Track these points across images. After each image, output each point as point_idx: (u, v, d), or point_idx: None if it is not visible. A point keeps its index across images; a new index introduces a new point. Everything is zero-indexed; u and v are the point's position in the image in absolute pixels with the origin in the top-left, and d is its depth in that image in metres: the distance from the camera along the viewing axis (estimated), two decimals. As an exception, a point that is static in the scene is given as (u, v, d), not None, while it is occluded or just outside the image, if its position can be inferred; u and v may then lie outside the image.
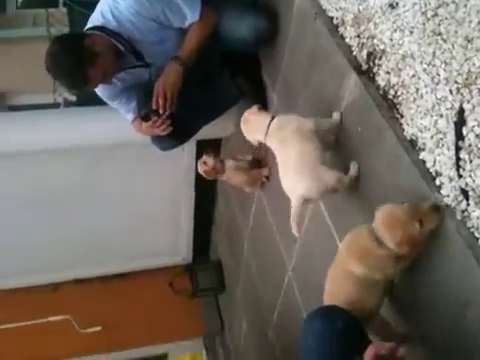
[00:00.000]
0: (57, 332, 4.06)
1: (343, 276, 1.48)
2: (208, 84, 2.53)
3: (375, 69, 1.59)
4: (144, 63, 2.33)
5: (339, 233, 1.91)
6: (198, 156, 3.46)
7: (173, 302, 4.25)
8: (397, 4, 1.46)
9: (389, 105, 1.51)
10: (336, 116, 1.78)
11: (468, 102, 1.21)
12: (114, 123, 2.75)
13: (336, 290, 1.54)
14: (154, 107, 2.25)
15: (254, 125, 1.82)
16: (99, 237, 3.90)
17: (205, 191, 3.87)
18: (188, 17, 2.20)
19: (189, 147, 3.33)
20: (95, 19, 2.21)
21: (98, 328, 4.17)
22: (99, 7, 2.21)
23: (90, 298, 4.17)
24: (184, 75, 2.24)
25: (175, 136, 2.50)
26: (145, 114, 2.34)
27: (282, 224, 2.57)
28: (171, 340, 4.37)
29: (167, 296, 4.25)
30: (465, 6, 1.21)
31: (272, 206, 2.70)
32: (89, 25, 2.23)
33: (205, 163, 2.67)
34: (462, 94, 1.23)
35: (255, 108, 1.86)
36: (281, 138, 1.71)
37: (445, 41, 1.29)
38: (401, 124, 1.47)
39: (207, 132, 2.84)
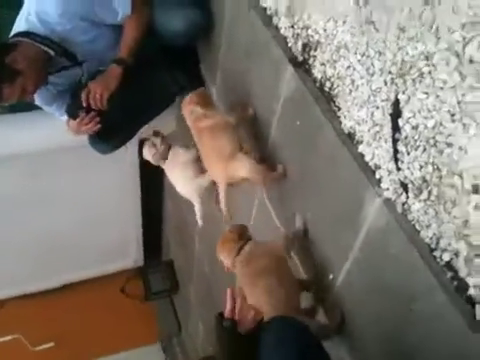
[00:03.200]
0: (8, 353, 3.86)
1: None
2: (146, 81, 2.44)
3: (311, 61, 1.54)
4: (76, 63, 2.22)
5: (286, 229, 1.87)
6: (141, 156, 3.39)
7: (127, 308, 4.15)
8: (329, -7, 1.41)
9: (326, 98, 1.47)
10: (250, 110, 1.94)
11: (403, 93, 1.17)
12: (53, 128, 2.64)
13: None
14: (84, 104, 2.16)
15: (186, 112, 1.96)
16: (45, 247, 3.77)
17: (152, 190, 3.79)
18: (119, 12, 2.11)
19: (132, 146, 3.23)
20: (20, 24, 2.09)
21: (51, 344, 4.02)
22: (23, 10, 2.09)
23: (39, 313, 4.02)
24: (124, 75, 2.16)
25: (114, 137, 2.42)
26: (73, 112, 2.25)
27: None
28: (129, 347, 4.26)
29: (120, 302, 4.13)
30: (396, -7, 1.17)
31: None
32: (14, 31, 2.10)
33: (154, 145, 2.43)
34: (396, 85, 1.19)
35: (200, 91, 2.00)
36: (201, 128, 1.87)
37: (378, 30, 1.25)
38: (339, 117, 1.43)
39: (149, 130, 2.76)
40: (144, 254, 4.33)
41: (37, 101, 2.37)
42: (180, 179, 2.39)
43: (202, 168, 2.32)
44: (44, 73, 2.14)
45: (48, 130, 2.76)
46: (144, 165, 3.51)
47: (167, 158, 2.46)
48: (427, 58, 1.10)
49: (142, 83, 2.40)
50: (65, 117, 2.41)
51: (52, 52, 2.09)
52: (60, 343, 4.01)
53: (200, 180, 2.33)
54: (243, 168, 1.75)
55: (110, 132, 2.37)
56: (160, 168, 3.60)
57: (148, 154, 2.45)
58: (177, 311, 4.38)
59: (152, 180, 3.71)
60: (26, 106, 2.60)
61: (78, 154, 3.04)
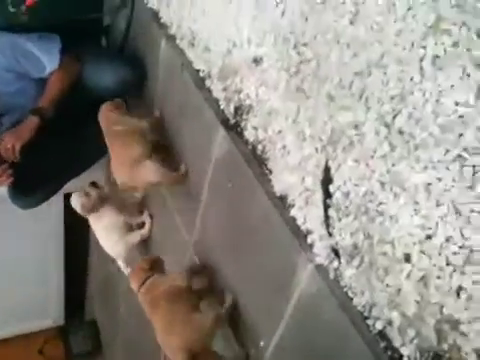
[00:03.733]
0: None
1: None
2: (74, 135, 2.38)
3: (243, 124, 1.55)
4: None
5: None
6: (66, 210, 3.27)
7: (46, 371, 3.88)
8: (261, 59, 1.44)
9: (258, 161, 1.47)
10: (156, 113, 2.07)
11: (333, 160, 1.19)
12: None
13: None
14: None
15: (103, 120, 2.01)
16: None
17: (76, 245, 3.64)
18: (47, 67, 2.06)
19: (57, 201, 3.11)
20: None
21: None
22: None
23: None
24: (42, 126, 2.12)
25: (37, 191, 2.32)
26: None
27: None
28: None
29: (38, 364, 3.87)
30: (326, 63, 1.20)
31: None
32: None
33: (87, 195, 2.33)
34: (327, 152, 1.21)
35: (117, 100, 2.05)
36: (113, 132, 1.95)
37: (308, 98, 1.27)
38: (270, 180, 1.43)
39: (75, 185, 2.67)
40: (65, 313, 4.10)
41: None
42: (106, 239, 2.32)
43: (130, 225, 2.28)
44: None
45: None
46: (69, 218, 3.38)
47: (97, 212, 2.37)
48: (357, 127, 1.13)
49: (70, 137, 2.35)
50: None
51: None
52: None
53: (127, 238, 2.27)
54: (149, 173, 1.83)
55: (32, 186, 2.27)
56: (86, 222, 3.50)
57: (77, 203, 2.34)
58: (100, 374, 4.15)
59: (77, 235, 3.58)
60: None
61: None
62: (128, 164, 1.85)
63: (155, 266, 1.80)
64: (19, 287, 3.69)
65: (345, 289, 1.19)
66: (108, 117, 1.99)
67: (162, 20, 1.98)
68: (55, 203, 3.11)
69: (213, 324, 1.60)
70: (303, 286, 1.31)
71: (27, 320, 3.95)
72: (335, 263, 1.22)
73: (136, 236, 2.29)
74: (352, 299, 1.17)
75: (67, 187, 2.57)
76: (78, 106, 2.28)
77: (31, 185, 2.29)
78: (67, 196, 3.12)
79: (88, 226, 3.48)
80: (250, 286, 1.58)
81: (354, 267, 1.16)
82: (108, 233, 2.31)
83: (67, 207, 3.23)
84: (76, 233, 3.52)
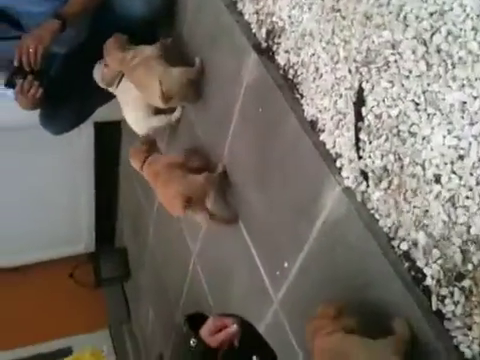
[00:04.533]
0: None
1: None
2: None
3: (275, 48, 1.53)
4: (21, 32, 2.10)
5: (243, 220, 1.86)
6: (97, 137, 3.31)
7: (75, 293, 4.04)
8: (295, -22, 1.40)
9: (289, 85, 1.46)
10: (197, 61, 1.97)
11: (367, 81, 1.17)
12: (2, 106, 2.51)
13: None
14: (16, 63, 1.98)
15: (111, 54, 2.01)
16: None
17: (107, 175, 3.70)
18: None
19: (86, 129, 3.14)
20: None
21: (-5, 326, 3.87)
22: None
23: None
24: (62, 31, 2.01)
25: (66, 117, 2.33)
26: (9, 80, 2.06)
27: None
28: (75, 333, 4.15)
29: (69, 287, 4.03)
30: (364, -19, 1.16)
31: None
32: None
33: (106, 66, 2.17)
34: (361, 73, 1.19)
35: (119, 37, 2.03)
36: (134, 65, 1.94)
37: (344, 18, 1.24)
38: (302, 105, 1.42)
39: (105, 113, 2.70)
40: (96, 240, 4.22)
41: None
42: (131, 112, 2.28)
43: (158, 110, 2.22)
44: None
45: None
46: (100, 149, 3.43)
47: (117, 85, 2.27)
48: (393, 46, 1.10)
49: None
50: (9, 92, 2.30)
51: None
52: (5, 325, 3.87)
53: (153, 119, 2.22)
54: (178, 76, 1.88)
55: (63, 111, 2.29)
56: (117, 153, 3.55)
57: (97, 73, 2.24)
58: (127, 299, 4.31)
59: (108, 165, 3.64)
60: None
61: (31, 134, 2.93)
62: (156, 85, 1.85)
63: (151, 148, 2.06)
64: (51, 213, 3.80)
65: (372, 211, 1.21)
66: (120, 58, 1.99)
67: None
68: (85, 130, 3.14)
69: (205, 182, 1.82)
70: (330, 209, 1.32)
71: (59, 246, 4.07)
72: (363, 186, 1.22)
73: (162, 119, 2.21)
74: (378, 221, 1.19)
75: (97, 115, 2.58)
76: (107, 34, 2.25)
77: (62, 110, 2.30)
78: (97, 125, 3.18)
79: (119, 156, 3.57)
80: (276, 210, 1.60)
81: (382, 189, 1.16)
82: (134, 108, 2.22)
83: (97, 135, 3.29)
84: (107, 161, 3.57)
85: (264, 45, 1.57)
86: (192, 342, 1.13)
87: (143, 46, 2.02)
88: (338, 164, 1.29)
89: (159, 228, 3.08)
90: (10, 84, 2.07)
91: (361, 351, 1.05)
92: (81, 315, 4.03)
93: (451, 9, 0.96)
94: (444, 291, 1.03)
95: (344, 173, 1.27)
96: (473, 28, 0.92)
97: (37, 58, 1.95)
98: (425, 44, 1.01)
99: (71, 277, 4.06)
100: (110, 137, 3.37)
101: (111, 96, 2.47)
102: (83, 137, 3.25)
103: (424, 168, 1.04)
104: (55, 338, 4.08)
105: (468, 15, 0.92)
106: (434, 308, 1.04)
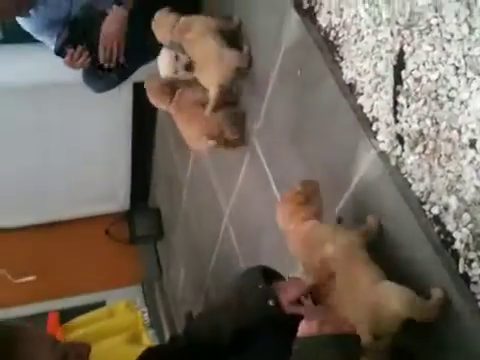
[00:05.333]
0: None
1: None
2: (145, 17, 2.37)
3: (317, 8, 1.51)
4: None
5: (276, 182, 1.89)
6: (135, 98, 3.36)
7: (110, 249, 4.18)
8: None
9: (330, 47, 1.45)
10: (235, 19, 1.97)
11: (408, 44, 1.16)
12: (46, 62, 2.57)
13: None
14: (101, 61, 2.18)
15: (162, 24, 2.01)
16: (31, 184, 3.75)
17: (143, 136, 3.77)
18: None
19: (126, 88, 3.19)
20: None
21: (32, 277, 4.04)
22: None
23: (24, 247, 4.02)
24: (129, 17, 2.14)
25: (108, 75, 2.38)
26: (59, 49, 2.19)
27: (220, 171, 2.53)
28: (109, 287, 4.30)
29: (104, 243, 4.17)
30: None
31: (210, 154, 2.63)
32: None
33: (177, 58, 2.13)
34: (403, 36, 1.18)
35: (166, 10, 2.02)
36: (188, 39, 1.92)
37: (389, -20, 1.23)
38: (341, 67, 1.41)
39: (143, 74, 2.72)
40: (131, 199, 4.33)
41: (28, 28, 2.31)
42: None
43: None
44: None
45: (41, 64, 2.69)
46: (138, 110, 3.48)
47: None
48: (436, 9, 1.09)
49: (141, 23, 2.35)
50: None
51: None
52: (42, 277, 4.04)
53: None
54: (235, 56, 1.88)
55: (105, 69, 2.33)
56: (154, 114, 3.58)
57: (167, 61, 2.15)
58: (160, 257, 4.43)
59: (144, 126, 3.69)
60: (20, 37, 2.52)
61: (72, 91, 3.00)
62: (214, 60, 1.85)
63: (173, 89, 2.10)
64: (89, 171, 3.90)
65: (405, 176, 1.21)
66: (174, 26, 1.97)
67: None
68: (125, 90, 3.19)
69: (223, 119, 1.98)
70: (364, 172, 1.34)
71: (96, 203, 4.19)
72: (398, 150, 1.22)
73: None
74: (411, 185, 1.19)
75: (137, 76, 2.61)
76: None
77: (104, 69, 2.34)
78: (136, 85, 3.21)
79: (156, 117, 3.61)
80: (311, 170, 1.62)
81: (417, 154, 1.17)
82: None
83: (136, 96, 3.33)
84: (144, 122, 3.62)
85: (306, 5, 1.56)
86: (271, 302, 1.11)
87: (196, 17, 2.01)
88: (374, 128, 1.29)
89: (192, 190, 3.13)
90: (61, 53, 2.16)
91: (331, 239, 1.20)
92: (115, 271, 4.17)
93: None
94: (472, 255, 1.04)
95: (380, 137, 1.27)
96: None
97: (120, 53, 2.18)
98: (469, 7, 1.00)
99: (107, 233, 4.19)
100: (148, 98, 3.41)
101: (151, 57, 2.50)
102: (122, 96, 3.30)
103: (460, 133, 1.04)
104: (90, 291, 4.24)
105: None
106: (461, 271, 1.05)
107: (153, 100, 2.16)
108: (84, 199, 4.10)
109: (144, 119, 3.63)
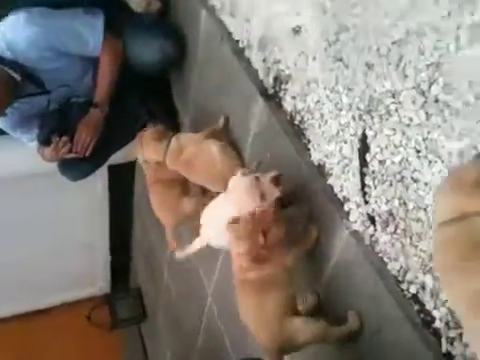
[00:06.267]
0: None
1: None
2: (118, 109, 2.44)
3: (281, 94, 1.57)
4: (43, 91, 2.21)
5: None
6: (111, 181, 3.38)
7: (92, 336, 4.04)
8: (300, 29, 1.45)
9: (296, 131, 1.50)
10: (221, 119, 1.93)
11: (370, 128, 1.21)
12: (19, 154, 2.61)
13: None
14: (74, 152, 2.23)
15: (150, 147, 1.98)
16: (10, 273, 3.67)
17: (120, 217, 3.75)
18: (89, 43, 2.11)
19: (101, 173, 3.21)
20: None
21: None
22: None
23: (4, 338, 3.88)
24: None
25: (84, 164, 2.40)
26: (44, 138, 2.24)
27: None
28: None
29: (86, 330, 4.03)
30: (365, 32, 1.21)
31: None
32: None
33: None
34: (364, 120, 1.23)
35: (152, 129, 2.01)
36: (185, 160, 1.88)
37: (347, 67, 1.29)
38: (308, 149, 1.46)
39: (118, 156, 2.76)
40: (111, 281, 4.26)
41: (2, 126, 2.34)
42: None
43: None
44: (8, 97, 2.12)
45: (16, 156, 2.73)
46: (114, 191, 3.49)
47: None
48: (394, 96, 1.14)
49: (114, 111, 2.40)
50: (33, 143, 2.39)
51: (18, 77, 2.07)
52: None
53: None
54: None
55: (81, 158, 2.35)
56: (130, 195, 3.60)
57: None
58: (144, 339, 4.31)
59: (121, 207, 3.69)
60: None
61: (46, 180, 3.00)
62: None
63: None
64: (67, 257, 3.85)
65: (380, 255, 1.22)
66: (160, 150, 1.95)
67: (201, -9, 2.01)
68: (100, 175, 3.21)
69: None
70: (339, 252, 1.35)
71: (75, 288, 4.12)
72: (370, 230, 1.24)
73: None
74: (387, 264, 1.20)
75: (111, 159, 2.65)
76: (124, 81, 2.33)
77: (80, 160, 2.36)
78: (111, 168, 3.24)
79: (132, 197, 3.62)
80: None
81: (389, 233, 1.19)
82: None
83: (112, 179, 3.35)
84: (121, 202, 3.63)
85: (271, 91, 1.62)
86: None
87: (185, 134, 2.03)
88: (346, 208, 1.32)
89: (173, 268, 3.09)
90: (46, 142, 2.23)
91: None
92: (99, 358, 4.03)
93: (448, 62, 0.99)
94: (453, 333, 1.04)
95: (352, 217, 1.30)
96: (469, 82, 0.95)
97: (90, 147, 2.24)
98: (423, 94, 1.05)
99: (88, 319, 4.07)
100: (124, 178, 3.44)
101: (126, 142, 2.54)
102: (99, 180, 3.31)
103: (428, 212, 1.06)
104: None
105: (463, 69, 0.96)
106: (444, 350, 1.05)
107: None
108: (64, 285, 4.03)
109: (121, 199, 3.64)
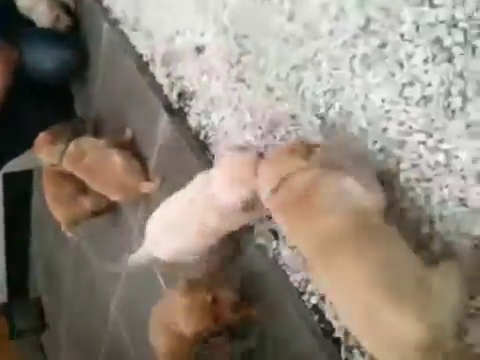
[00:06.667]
0: None
1: None
2: (13, 117, 2.34)
3: (186, 109, 1.60)
4: None
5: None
6: (5, 189, 3.23)
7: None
8: (203, 48, 1.49)
9: (201, 146, 1.53)
10: (128, 132, 1.93)
11: (272, 148, 1.27)
12: None
13: None
14: None
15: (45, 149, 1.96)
16: None
17: (17, 225, 3.59)
18: None
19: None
20: None
21: None
22: None
23: None
24: None
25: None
26: None
27: (103, 253, 2.48)
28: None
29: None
30: (265, 56, 1.27)
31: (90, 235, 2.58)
32: None
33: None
34: (267, 139, 1.29)
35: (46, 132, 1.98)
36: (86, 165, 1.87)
37: (249, 87, 1.34)
38: (213, 165, 1.49)
39: (15, 164, 2.64)
40: (8, 290, 4.06)
41: None
42: None
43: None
44: None
45: None
46: (9, 199, 3.34)
47: None
48: (293, 118, 1.21)
49: (9, 119, 2.30)
50: None
51: None
52: None
53: None
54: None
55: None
56: (27, 203, 3.46)
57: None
58: (45, 351, 4.15)
59: (17, 217, 3.54)
60: None
61: None
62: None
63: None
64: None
65: (283, 267, 1.29)
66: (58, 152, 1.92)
67: (104, 3, 1.98)
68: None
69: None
70: (246, 266, 1.40)
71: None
72: (274, 243, 1.31)
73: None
74: (289, 276, 1.27)
75: (5, 166, 2.54)
76: (18, 88, 2.24)
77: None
78: (6, 176, 3.10)
79: (29, 205, 3.48)
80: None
81: (290, 247, 1.25)
82: None
83: (7, 186, 3.20)
84: (17, 210, 3.48)
85: (176, 106, 1.64)
86: None
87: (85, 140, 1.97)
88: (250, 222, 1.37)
89: (74, 276, 3.02)
90: None
91: None
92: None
93: (342, 89, 1.07)
94: (351, 341, 1.12)
95: (256, 231, 1.35)
96: (362, 107, 1.03)
97: None
98: (321, 118, 1.12)
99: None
100: (20, 187, 3.30)
101: (21, 151, 2.44)
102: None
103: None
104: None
105: (357, 95, 1.04)
106: (343, 358, 1.13)
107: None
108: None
109: (17, 207, 3.48)
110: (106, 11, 1.96)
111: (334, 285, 0.88)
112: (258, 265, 1.35)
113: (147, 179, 1.81)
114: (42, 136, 1.98)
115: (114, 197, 1.88)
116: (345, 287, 0.85)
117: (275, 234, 1.30)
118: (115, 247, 2.20)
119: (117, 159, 1.82)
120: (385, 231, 0.90)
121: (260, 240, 1.35)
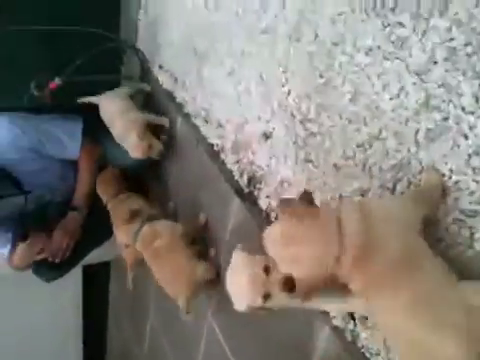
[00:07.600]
0: None
1: None
2: (95, 208, 2.47)
3: (256, 193, 1.64)
4: (21, 191, 2.24)
5: (234, 354, 1.86)
6: (85, 282, 3.33)
7: None
8: (271, 134, 1.55)
9: (272, 228, 1.55)
10: (201, 217, 1.97)
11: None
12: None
13: None
14: (50, 259, 2.25)
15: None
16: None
17: (95, 317, 3.67)
18: (68, 147, 2.18)
19: (75, 273, 3.17)
20: None
21: None
22: None
23: None
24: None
25: (59, 265, 2.39)
26: (22, 234, 2.24)
27: (177, 343, 2.47)
28: None
29: None
30: (330, 138, 1.31)
31: (166, 325, 2.59)
32: None
33: None
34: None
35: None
36: (156, 249, 1.92)
37: (316, 168, 1.37)
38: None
39: (93, 257, 2.75)
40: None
41: None
42: None
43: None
44: None
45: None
46: (88, 292, 3.44)
47: None
48: (362, 195, 1.21)
49: (91, 211, 2.43)
50: (6, 249, 2.36)
51: None
52: None
53: None
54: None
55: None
56: (104, 296, 3.55)
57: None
58: None
59: (95, 308, 3.62)
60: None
61: (18, 283, 2.95)
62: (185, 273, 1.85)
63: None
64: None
65: (362, 350, 1.24)
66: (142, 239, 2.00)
67: (177, 100, 2.13)
68: (74, 275, 3.16)
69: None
70: (322, 348, 1.36)
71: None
72: (351, 325, 1.27)
73: None
74: (369, 359, 1.22)
75: (86, 259, 2.64)
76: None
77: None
78: (85, 268, 3.21)
79: (107, 296, 3.56)
80: (272, 348, 1.62)
81: (368, 328, 1.21)
82: None
83: (86, 278, 3.31)
84: (94, 308, 3.57)
85: (246, 191, 1.69)
86: None
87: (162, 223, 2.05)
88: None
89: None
90: (23, 237, 2.22)
91: None
92: None
93: (409, 163, 1.08)
94: None
95: (332, 313, 1.32)
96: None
97: (66, 253, 2.28)
98: (390, 191, 1.13)
99: None
100: (99, 279, 3.40)
101: (101, 242, 2.55)
102: (71, 280, 3.27)
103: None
104: None
105: (423, 168, 1.04)
106: None
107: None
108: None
109: (95, 301, 3.57)
110: (179, 106, 2.11)
111: None
112: (335, 348, 1.31)
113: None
114: (118, 214, 2.11)
115: (169, 291, 1.89)
116: None
117: (351, 315, 1.27)
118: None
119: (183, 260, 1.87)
120: None
121: (336, 322, 1.31)
